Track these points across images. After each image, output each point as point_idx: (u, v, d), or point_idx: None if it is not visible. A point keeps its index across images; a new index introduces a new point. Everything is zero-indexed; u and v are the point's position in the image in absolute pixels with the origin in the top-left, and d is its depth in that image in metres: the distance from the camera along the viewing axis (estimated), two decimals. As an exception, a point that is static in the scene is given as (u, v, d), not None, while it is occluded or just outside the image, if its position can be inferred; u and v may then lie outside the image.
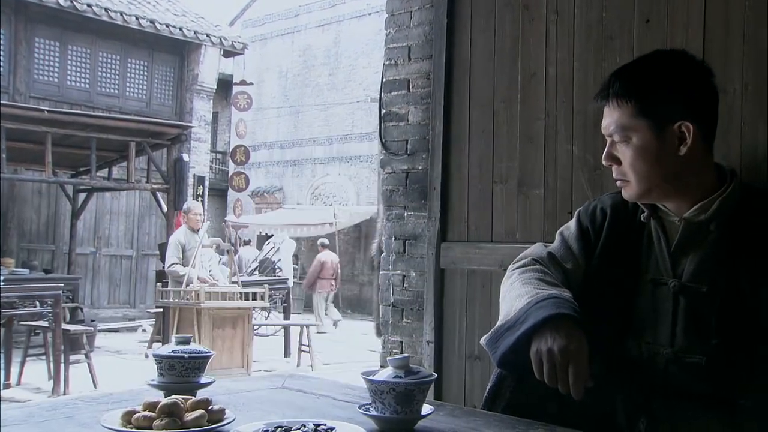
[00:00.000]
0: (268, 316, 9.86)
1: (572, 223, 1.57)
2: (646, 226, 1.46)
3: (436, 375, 1.21)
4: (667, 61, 1.41)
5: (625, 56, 2.00)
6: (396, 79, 2.58)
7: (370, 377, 1.14)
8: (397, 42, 2.57)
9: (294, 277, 12.50)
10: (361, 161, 16.27)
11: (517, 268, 1.52)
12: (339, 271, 12.45)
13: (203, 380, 1.26)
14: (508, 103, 2.25)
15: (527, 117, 2.21)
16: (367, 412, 1.15)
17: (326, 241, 12.49)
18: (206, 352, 1.26)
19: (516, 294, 1.40)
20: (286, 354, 8.17)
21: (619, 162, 1.40)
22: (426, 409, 1.16)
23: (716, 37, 1.83)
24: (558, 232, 1.59)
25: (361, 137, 16.15)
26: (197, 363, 1.23)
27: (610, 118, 1.40)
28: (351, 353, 8.61)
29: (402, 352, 2.45)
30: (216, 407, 1.07)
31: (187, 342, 1.26)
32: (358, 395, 1.37)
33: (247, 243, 13.47)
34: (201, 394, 1.22)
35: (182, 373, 1.21)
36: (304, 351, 7.50)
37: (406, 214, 2.53)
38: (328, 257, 12.04)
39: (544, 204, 2.16)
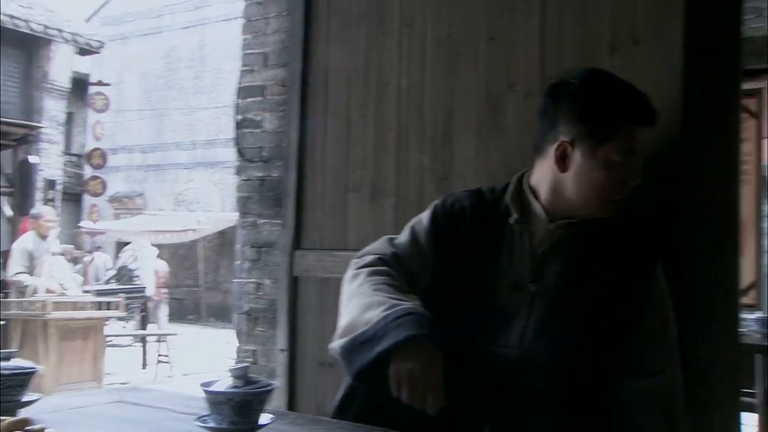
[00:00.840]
0: (125, 326, 9.44)
1: (426, 218, 1.55)
2: (510, 228, 1.48)
3: (276, 384, 1.20)
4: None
5: (471, 71, 2.09)
6: (252, 86, 2.56)
7: (208, 388, 1.12)
8: (254, 48, 2.55)
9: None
10: (227, 167, 15.94)
11: (363, 267, 1.48)
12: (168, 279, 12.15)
13: (27, 398, 1.19)
14: (363, 113, 2.29)
15: (381, 126, 2.26)
16: (205, 424, 1.13)
17: (156, 250, 12.10)
18: (30, 368, 1.19)
19: (367, 302, 1.37)
20: (143, 365, 7.85)
21: None
22: (265, 418, 1.16)
23: (552, 60, 1.94)
24: (409, 225, 1.57)
25: (227, 142, 15.75)
26: (19, 380, 1.16)
27: (641, 138, 1.44)
28: (213, 362, 8.41)
29: (256, 361, 2.43)
30: (36, 427, 1.01)
31: (8, 357, 1.19)
32: (200, 406, 1.34)
33: (97, 249, 12.84)
34: (26, 412, 1.15)
35: (2, 391, 1.13)
36: (163, 362, 7.25)
37: (260, 221, 2.51)
38: (158, 265, 11.68)
39: (395, 213, 2.21)
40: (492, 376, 1.41)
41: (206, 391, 1.11)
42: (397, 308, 1.31)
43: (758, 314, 3.71)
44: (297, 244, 2.38)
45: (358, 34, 2.30)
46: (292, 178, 2.41)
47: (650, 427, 1.43)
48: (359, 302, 1.39)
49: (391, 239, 1.57)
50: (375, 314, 1.32)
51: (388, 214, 2.22)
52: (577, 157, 1.42)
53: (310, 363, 2.32)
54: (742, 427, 4.12)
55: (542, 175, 1.48)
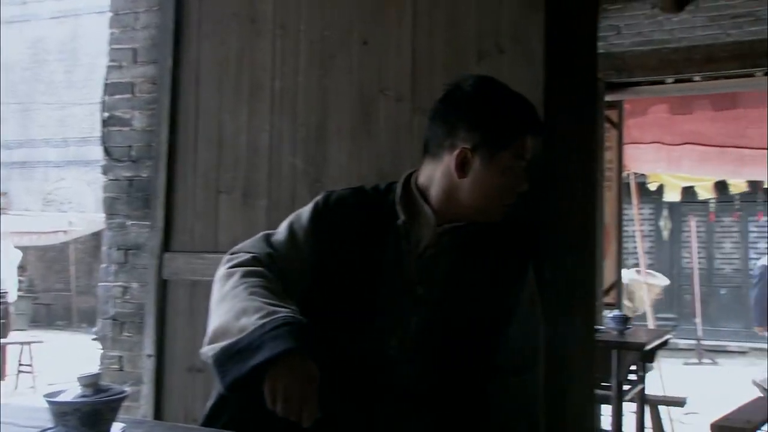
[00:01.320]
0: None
1: (306, 215, 1.51)
2: (396, 229, 1.47)
3: (127, 391, 1.15)
4: None
5: (345, 74, 2.10)
6: (120, 82, 2.46)
7: (52, 398, 1.07)
8: (122, 43, 2.45)
9: (19, 290, 11.32)
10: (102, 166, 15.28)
11: (236, 266, 1.41)
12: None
13: None
14: (235, 114, 2.25)
15: (253, 128, 2.23)
16: (50, 437, 1.08)
17: (19, 252, 11.39)
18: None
19: (241, 306, 1.30)
20: (1, 376, 7.37)
21: None
22: (116, 428, 1.11)
23: (423, 65, 1.99)
24: (287, 221, 1.52)
25: (101, 140, 15.17)
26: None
27: (530, 149, 1.48)
28: (82, 370, 8.00)
29: (121, 368, 2.33)
30: None
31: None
32: (46, 419, 1.27)
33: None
34: None
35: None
36: (25, 371, 6.83)
37: (128, 222, 2.42)
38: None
39: (267, 215, 2.19)
40: (373, 379, 1.41)
41: (50, 402, 1.05)
42: (274, 317, 1.25)
43: (615, 312, 3.93)
44: (166, 246, 2.31)
45: (230, 33, 2.27)
46: (162, 179, 2.33)
47: (515, 422, 1.49)
48: (233, 306, 1.32)
49: (268, 237, 1.51)
50: (250, 321, 1.26)
51: (260, 216, 2.20)
52: (476, 163, 1.43)
53: (179, 368, 2.25)
54: (600, 419, 4.36)
55: (434, 178, 1.48)
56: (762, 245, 11.41)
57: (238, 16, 2.25)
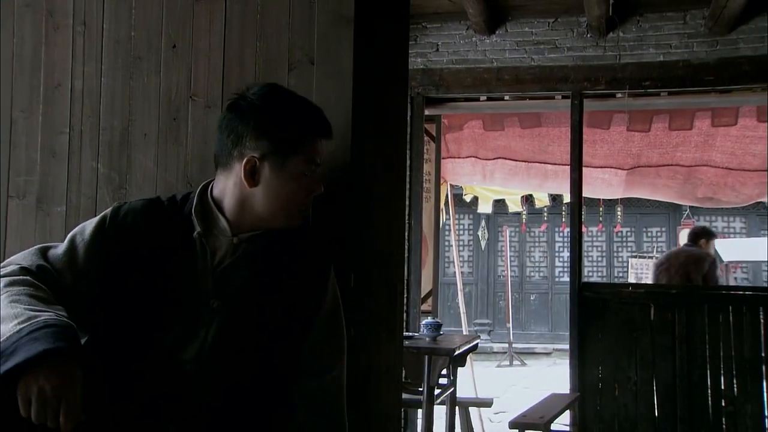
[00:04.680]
0: None
1: (91, 229, 1.47)
2: (190, 241, 1.44)
3: None
4: None
5: (153, 77, 2.02)
6: None
7: None
8: None
9: None
10: None
11: (1, 277, 1.33)
12: None
13: None
14: (29, 113, 2.10)
15: (50, 129, 2.08)
16: None
17: None
18: None
19: (2, 314, 1.23)
20: None
21: None
22: None
23: (234, 73, 1.96)
24: (71, 234, 1.47)
25: None
26: None
27: (322, 153, 1.50)
28: None
29: None
30: None
31: None
32: None
33: None
34: None
35: None
36: None
37: None
38: None
39: (66, 221, 2.05)
40: (170, 391, 1.37)
41: None
42: (34, 321, 1.19)
43: (428, 319, 4.10)
44: (-55, 254, 2.10)
45: (23, 25, 2.11)
46: (-58, 181, 2.12)
47: (314, 424, 1.49)
48: None
49: (45, 250, 1.45)
50: (8, 328, 1.18)
51: (56, 222, 2.06)
52: (266, 171, 1.44)
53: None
54: (415, 423, 4.51)
55: (227, 188, 1.48)
56: (565, 254, 12.42)
57: (32, 7, 2.10)
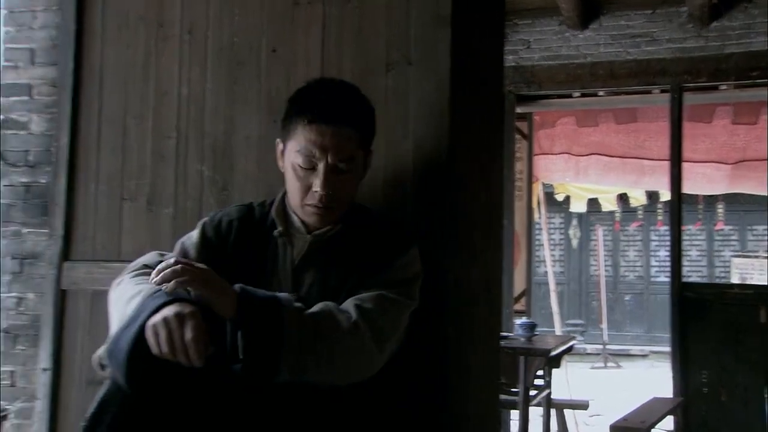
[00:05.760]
0: None
1: (195, 234, 1.56)
2: (274, 241, 1.50)
3: (9, 409, 1.10)
4: (358, 94, 1.52)
5: (254, 81, 2.08)
6: (17, 84, 2.36)
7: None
8: (19, 43, 2.35)
9: None
10: None
11: (126, 274, 1.46)
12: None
13: None
14: (140, 120, 2.20)
15: (158, 135, 2.18)
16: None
17: None
18: None
19: (129, 296, 1.34)
20: None
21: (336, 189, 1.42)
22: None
23: (332, 71, 1.99)
24: (179, 242, 1.57)
25: None
26: None
27: (335, 146, 1.40)
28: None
29: (13, 384, 2.23)
30: None
31: None
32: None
33: None
34: None
35: None
36: None
37: (24, 230, 2.32)
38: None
39: (173, 223, 2.14)
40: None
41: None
42: (155, 288, 1.26)
43: (523, 320, 4.04)
44: (66, 255, 2.23)
45: (136, 37, 2.21)
46: (62, 185, 2.25)
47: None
48: (122, 301, 1.35)
49: (161, 253, 1.56)
50: (136, 302, 1.29)
51: (165, 224, 2.15)
52: (281, 157, 1.52)
53: (78, 382, 2.17)
54: (510, 424, 4.47)
55: None
56: (661, 253, 11.98)
57: (144, 19, 2.20)
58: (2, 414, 1.06)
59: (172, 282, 1.21)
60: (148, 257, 1.54)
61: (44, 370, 2.16)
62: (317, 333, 1.29)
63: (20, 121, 2.33)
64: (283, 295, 1.33)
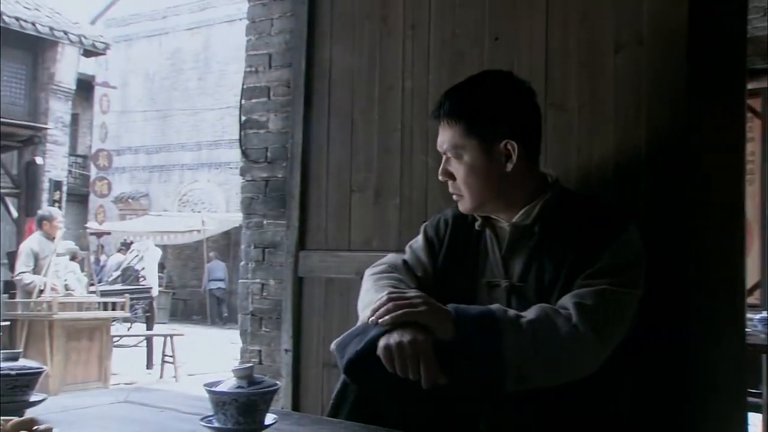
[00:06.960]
0: (130, 327, 9.46)
1: (419, 237, 1.67)
2: (482, 233, 1.56)
3: (279, 384, 1.20)
4: (494, 83, 1.53)
5: (476, 71, 2.07)
6: (257, 87, 2.56)
7: (212, 388, 1.13)
8: (258, 49, 2.55)
9: (160, 285, 12.05)
10: (231, 168, 16.00)
11: (372, 275, 1.58)
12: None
13: (33, 398, 1.20)
14: (366, 114, 2.29)
15: (384, 128, 2.26)
16: (210, 424, 1.14)
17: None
18: (36, 368, 1.20)
19: (369, 300, 1.44)
20: (149, 365, 7.87)
21: (453, 177, 1.50)
22: (269, 419, 1.16)
23: (557, 59, 1.94)
24: (408, 245, 1.68)
25: (231, 143, 15.89)
26: (26, 380, 1.16)
27: (443, 137, 1.50)
28: (219, 363, 8.42)
29: (261, 362, 2.43)
30: (42, 427, 1.01)
31: (15, 358, 1.19)
32: (205, 407, 1.34)
33: (120, 251, 12.88)
34: (32, 413, 1.16)
35: (8, 391, 1.14)
36: (168, 362, 7.26)
37: (265, 222, 2.52)
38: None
39: (400, 213, 2.21)
40: None
41: (210, 392, 1.12)
42: None
43: (763, 314, 3.69)
44: (301, 244, 2.39)
45: (362, 35, 2.31)
46: (297, 179, 2.41)
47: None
48: (364, 303, 1.47)
49: (400, 255, 1.67)
50: (369, 311, 1.37)
51: (392, 214, 2.23)
52: None
53: (315, 364, 2.32)
54: (748, 428, 4.10)
55: None
56: None
57: (370, 17, 2.28)
58: (276, 388, 1.16)
59: (389, 317, 1.29)
60: (390, 258, 1.66)
61: (286, 351, 2.34)
62: (536, 341, 1.30)
63: (260, 120, 2.53)
64: (495, 306, 1.36)
